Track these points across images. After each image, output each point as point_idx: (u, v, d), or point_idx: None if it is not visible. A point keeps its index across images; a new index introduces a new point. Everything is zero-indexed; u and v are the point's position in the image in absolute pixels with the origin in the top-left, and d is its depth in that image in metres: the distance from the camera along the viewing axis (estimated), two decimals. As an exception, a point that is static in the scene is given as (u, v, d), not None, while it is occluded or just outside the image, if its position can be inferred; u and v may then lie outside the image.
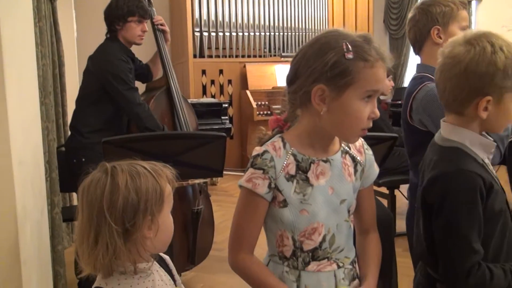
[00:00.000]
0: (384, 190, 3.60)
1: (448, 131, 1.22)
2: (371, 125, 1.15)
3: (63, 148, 2.87)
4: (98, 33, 3.02)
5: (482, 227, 1.13)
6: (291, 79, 1.18)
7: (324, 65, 1.09)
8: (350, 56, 1.08)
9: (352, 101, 1.10)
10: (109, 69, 2.65)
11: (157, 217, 1.05)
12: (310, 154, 1.19)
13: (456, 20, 1.78)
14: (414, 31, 1.85)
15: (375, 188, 3.47)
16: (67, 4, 4.27)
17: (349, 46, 1.08)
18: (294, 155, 1.18)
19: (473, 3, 6.69)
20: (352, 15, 7.22)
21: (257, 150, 1.19)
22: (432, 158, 1.21)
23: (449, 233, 1.13)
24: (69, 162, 2.69)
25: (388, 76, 3.94)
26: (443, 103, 1.24)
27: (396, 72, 7.50)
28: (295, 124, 1.22)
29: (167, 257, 1.22)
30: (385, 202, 3.52)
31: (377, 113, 1.14)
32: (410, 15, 1.87)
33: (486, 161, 1.21)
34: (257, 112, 5.99)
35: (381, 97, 4.09)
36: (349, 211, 1.24)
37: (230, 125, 5.73)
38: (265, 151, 1.17)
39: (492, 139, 1.48)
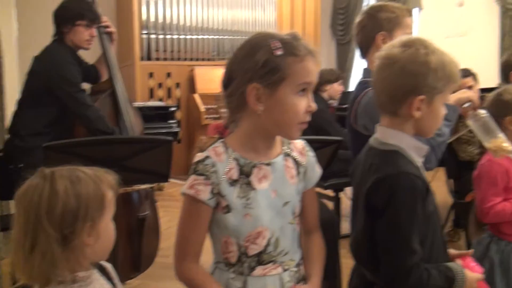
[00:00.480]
0: (329, 193, 3.66)
1: (385, 135, 1.26)
2: (309, 118, 1.18)
3: (1, 153, 2.75)
4: (42, 33, 2.92)
5: (420, 227, 1.17)
6: (225, 83, 1.20)
7: (255, 64, 1.12)
8: (279, 52, 1.12)
9: (287, 96, 1.13)
10: (59, 71, 2.58)
11: (97, 224, 1.03)
12: (252, 158, 1.20)
13: (401, 27, 1.83)
14: (361, 35, 1.89)
15: (321, 191, 3.53)
16: (8, 2, 4.09)
17: (278, 44, 1.12)
18: (236, 159, 1.19)
19: (415, 10, 6.93)
20: (300, 19, 7.33)
21: (199, 156, 1.19)
22: (373, 162, 1.24)
23: (392, 234, 1.17)
24: (7, 168, 2.58)
25: (337, 81, 4.04)
26: (379, 104, 1.28)
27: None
28: (235, 128, 1.22)
29: (108, 265, 1.18)
30: (330, 204, 3.58)
31: (314, 106, 1.17)
32: (357, 19, 1.91)
33: (420, 164, 1.25)
34: (205, 116, 5.96)
35: (329, 101, 4.16)
36: (294, 214, 1.25)
37: (177, 129, 5.67)
38: (207, 157, 1.18)
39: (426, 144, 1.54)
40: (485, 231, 1.90)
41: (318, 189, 3.41)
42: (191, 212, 1.19)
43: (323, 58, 7.87)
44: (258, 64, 1.12)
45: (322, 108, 3.88)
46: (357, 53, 2.00)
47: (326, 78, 4.00)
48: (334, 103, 4.38)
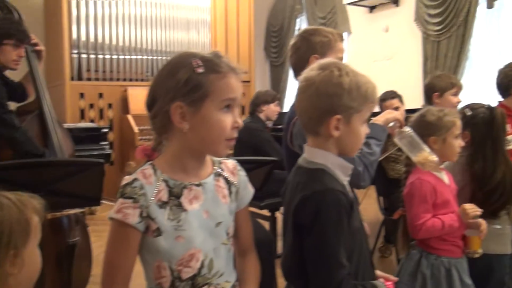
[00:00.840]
0: (265, 212, 3.68)
1: (311, 154, 1.29)
2: (236, 135, 1.18)
3: None
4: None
5: (347, 243, 1.20)
6: (149, 104, 1.19)
7: (177, 83, 1.13)
8: (200, 70, 1.13)
9: (212, 113, 1.14)
10: None
11: (21, 252, 0.97)
12: (182, 179, 1.19)
13: (334, 51, 1.89)
14: (294, 57, 1.93)
15: (257, 211, 3.55)
16: None
17: (199, 62, 1.13)
18: (165, 181, 1.17)
19: (344, 35, 7.22)
20: (234, 41, 7.42)
21: (126, 179, 1.16)
22: (300, 180, 1.27)
23: (320, 249, 1.19)
24: None
25: (274, 101, 4.10)
26: (302, 125, 1.32)
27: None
28: (163, 150, 1.21)
29: (33, 296, 1.12)
30: (267, 224, 3.60)
31: (240, 122, 1.18)
32: (292, 41, 1.96)
33: (345, 182, 1.29)
34: (139, 137, 5.85)
35: (267, 122, 4.22)
36: (228, 234, 1.25)
37: (110, 151, 5.52)
38: (135, 179, 1.15)
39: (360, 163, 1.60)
40: (413, 246, 1.97)
41: (254, 209, 3.44)
42: (119, 237, 1.15)
43: (258, 80, 7.98)
44: (180, 82, 1.13)
45: (260, 128, 3.93)
46: (291, 75, 2.05)
47: (262, 99, 4.06)
48: (270, 123, 4.44)
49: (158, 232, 1.15)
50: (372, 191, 3.57)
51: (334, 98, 1.21)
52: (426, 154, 1.73)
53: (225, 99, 1.15)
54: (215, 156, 1.26)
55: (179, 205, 1.17)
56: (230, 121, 1.16)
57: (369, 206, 4.05)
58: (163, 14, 6.70)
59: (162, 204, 1.15)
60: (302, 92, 1.27)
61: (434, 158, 1.74)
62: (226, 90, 1.15)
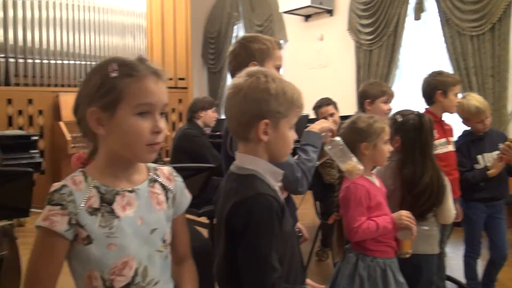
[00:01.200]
0: (204, 220, 3.65)
1: (242, 160, 1.31)
2: (159, 139, 1.16)
3: None
4: None
5: (278, 246, 1.22)
6: (75, 110, 1.18)
7: (92, 88, 1.12)
8: (114, 74, 1.11)
9: (127, 118, 1.12)
10: None
11: None
12: (114, 185, 1.16)
13: (272, 59, 1.91)
14: (233, 64, 1.94)
15: (195, 218, 3.51)
16: None
17: (114, 66, 1.12)
18: (96, 187, 1.14)
19: (281, 43, 7.34)
20: (171, 48, 7.34)
21: (55, 185, 1.13)
22: (232, 186, 1.28)
23: (252, 253, 1.20)
24: None
25: (211, 107, 4.10)
26: (232, 131, 1.34)
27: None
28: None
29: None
30: (205, 232, 3.57)
31: (161, 127, 1.16)
32: (231, 48, 1.96)
33: (276, 187, 1.32)
34: (72, 145, 5.66)
35: (205, 128, 4.21)
36: (164, 241, 1.23)
37: (40, 159, 5.28)
38: (63, 186, 1.12)
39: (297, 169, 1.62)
40: (348, 250, 2.03)
41: (192, 217, 3.41)
42: (45, 245, 1.11)
43: (195, 86, 7.95)
44: (94, 87, 1.12)
45: (198, 134, 3.92)
46: (229, 81, 2.05)
47: (200, 106, 4.06)
48: (208, 130, 4.43)
49: (89, 239, 1.11)
50: (309, 196, 3.64)
51: (262, 103, 1.24)
52: (353, 163, 1.81)
53: (141, 104, 1.12)
54: (139, 162, 1.23)
55: (112, 212, 1.14)
56: (149, 126, 1.13)
57: (307, 211, 4.13)
58: (98, 18, 6.54)
59: (93, 211, 1.12)
60: (230, 98, 1.29)
61: (361, 167, 1.82)
62: (142, 94, 1.12)
